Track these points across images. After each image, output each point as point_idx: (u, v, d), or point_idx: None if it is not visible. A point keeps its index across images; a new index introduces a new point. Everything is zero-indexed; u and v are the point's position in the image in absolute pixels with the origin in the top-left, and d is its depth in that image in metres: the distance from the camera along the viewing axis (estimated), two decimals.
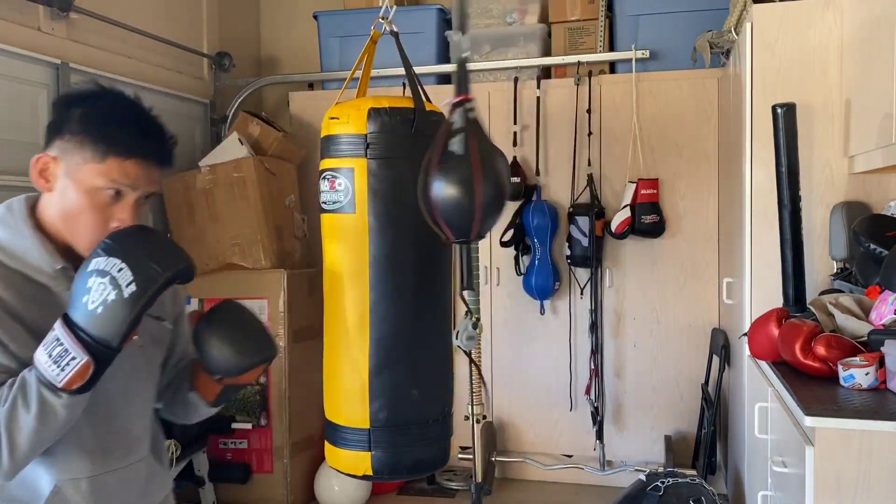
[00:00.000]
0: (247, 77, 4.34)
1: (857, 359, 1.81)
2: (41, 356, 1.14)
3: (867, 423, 1.59)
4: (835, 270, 2.61)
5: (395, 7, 2.40)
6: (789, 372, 1.98)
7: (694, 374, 3.67)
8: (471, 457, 2.49)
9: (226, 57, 4.20)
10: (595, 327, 3.72)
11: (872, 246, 2.16)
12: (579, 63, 3.75)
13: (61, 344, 1.14)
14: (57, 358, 1.13)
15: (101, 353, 1.14)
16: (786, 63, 2.64)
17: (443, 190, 1.79)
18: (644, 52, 3.68)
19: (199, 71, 4.13)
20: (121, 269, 1.15)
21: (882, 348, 1.79)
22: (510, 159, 3.65)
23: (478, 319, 2.06)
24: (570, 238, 3.69)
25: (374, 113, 2.13)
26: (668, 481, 2.81)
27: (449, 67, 3.98)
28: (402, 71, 2.31)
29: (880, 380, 1.77)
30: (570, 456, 3.84)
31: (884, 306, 1.96)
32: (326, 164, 2.23)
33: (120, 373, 1.26)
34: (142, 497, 1.38)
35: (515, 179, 3.69)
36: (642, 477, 2.90)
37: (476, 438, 2.53)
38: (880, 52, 2.20)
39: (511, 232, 3.75)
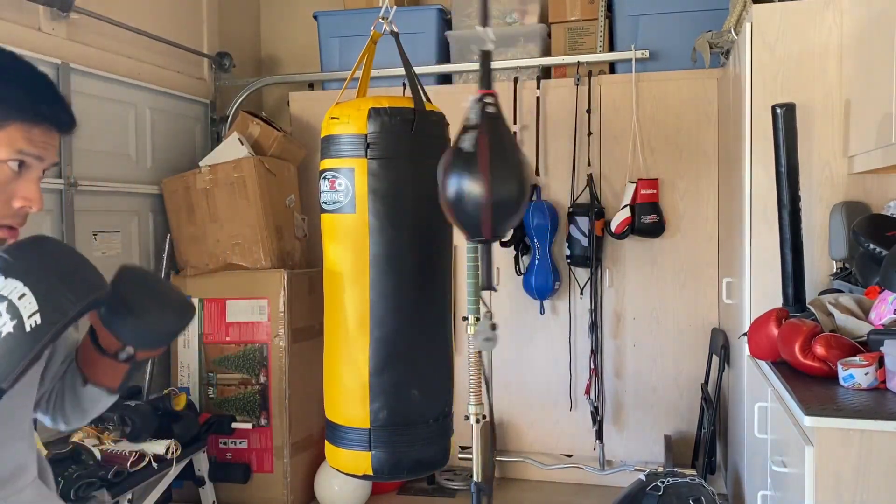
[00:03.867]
0: (247, 77, 4.34)
1: (857, 358, 1.81)
2: None
3: (867, 423, 1.59)
4: (834, 270, 2.61)
5: (395, 7, 2.40)
6: (789, 372, 1.98)
7: (694, 373, 3.68)
8: (471, 457, 2.49)
9: (226, 57, 4.20)
10: (595, 327, 3.72)
11: (872, 246, 2.17)
12: (579, 63, 3.75)
13: None
14: None
15: None
16: (786, 63, 2.64)
17: (452, 188, 1.75)
18: (644, 52, 3.68)
19: (199, 71, 4.13)
20: (23, 296, 0.91)
21: (881, 348, 1.79)
22: None
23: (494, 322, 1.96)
24: (569, 238, 3.69)
25: (374, 113, 2.13)
26: (668, 481, 2.81)
27: (448, 67, 3.99)
28: (402, 71, 2.31)
29: (880, 379, 1.77)
30: (569, 456, 3.84)
31: (883, 306, 1.96)
32: (327, 164, 2.23)
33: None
34: None
35: None
36: (642, 477, 2.90)
37: (476, 438, 2.53)
38: (880, 52, 2.20)
39: (511, 232, 3.76)
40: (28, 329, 0.90)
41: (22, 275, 0.92)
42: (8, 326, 0.90)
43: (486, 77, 1.84)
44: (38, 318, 0.91)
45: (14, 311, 0.90)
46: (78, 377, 1.23)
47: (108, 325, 1.12)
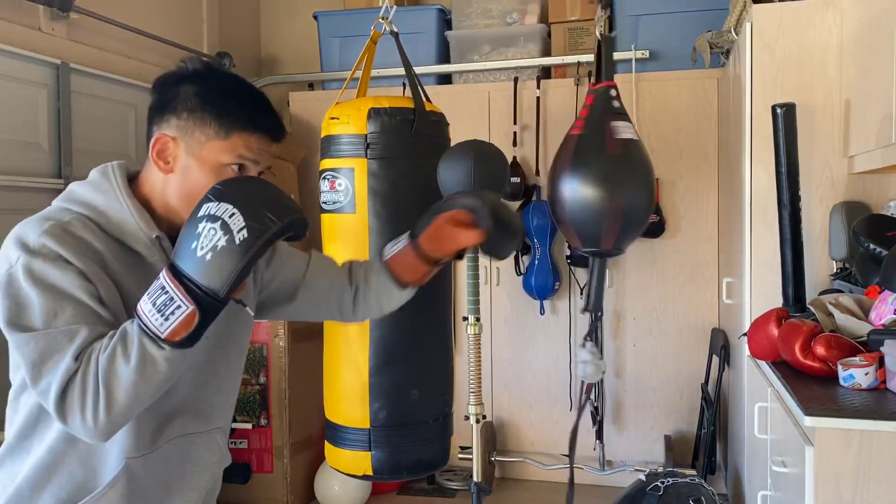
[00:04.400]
0: (247, 77, 4.34)
1: (857, 359, 1.81)
2: (145, 305, 1.08)
3: (867, 423, 1.59)
4: (834, 270, 2.61)
5: (395, 7, 2.40)
6: (789, 372, 1.98)
7: (694, 374, 3.67)
8: (471, 457, 2.49)
9: (226, 57, 4.20)
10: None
11: (872, 246, 2.16)
12: (579, 63, 3.75)
13: (166, 292, 1.07)
14: (161, 307, 1.07)
15: (207, 302, 1.07)
16: (786, 63, 2.64)
17: (573, 190, 1.52)
18: (644, 52, 3.68)
19: None
20: (233, 215, 1.08)
21: (882, 348, 1.79)
22: (510, 159, 3.65)
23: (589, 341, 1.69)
24: None
25: (374, 113, 2.13)
26: (668, 481, 2.81)
27: (449, 67, 3.98)
28: (402, 71, 2.31)
29: (880, 380, 1.77)
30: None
31: (883, 306, 1.96)
32: (326, 164, 2.23)
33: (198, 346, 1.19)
34: (196, 471, 1.34)
35: (515, 179, 3.69)
36: (642, 477, 2.90)
37: (476, 438, 2.53)
38: (880, 52, 2.20)
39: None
40: (237, 242, 1.07)
41: (233, 199, 1.10)
42: (222, 241, 1.07)
43: (608, 66, 1.59)
44: (245, 232, 1.07)
45: (226, 228, 1.07)
46: (390, 282, 1.46)
47: (490, 250, 1.44)
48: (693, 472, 3.29)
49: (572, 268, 3.76)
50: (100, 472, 1.21)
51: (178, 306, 1.06)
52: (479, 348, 2.55)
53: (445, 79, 4.06)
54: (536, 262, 3.72)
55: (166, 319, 1.07)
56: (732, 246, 3.16)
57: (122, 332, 1.10)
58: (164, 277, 1.08)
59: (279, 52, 4.66)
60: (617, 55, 3.78)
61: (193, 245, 1.08)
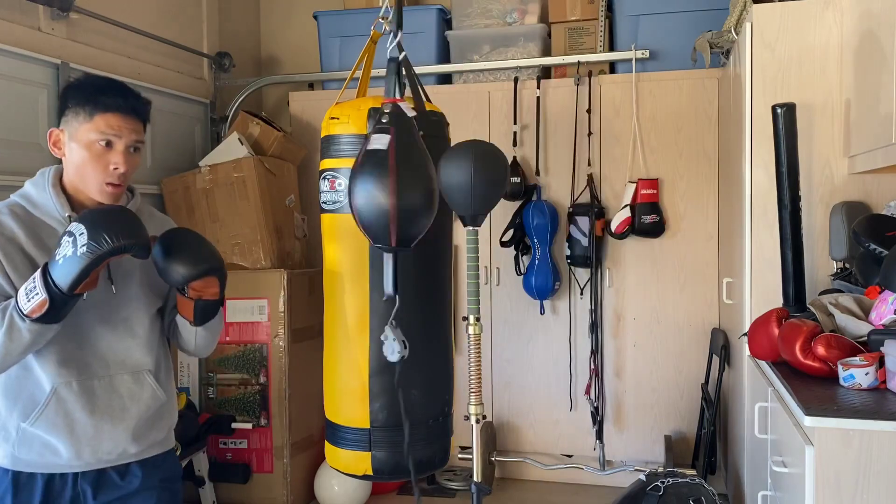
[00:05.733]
0: (247, 77, 4.34)
1: (857, 359, 1.81)
2: (21, 288, 1.51)
3: (867, 423, 1.59)
4: (835, 270, 2.61)
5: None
6: (789, 372, 1.98)
7: (694, 374, 3.67)
8: (471, 457, 2.48)
9: (226, 57, 4.20)
10: (595, 327, 3.72)
11: (872, 246, 2.16)
12: (579, 63, 3.75)
13: (34, 281, 1.49)
14: (28, 291, 1.49)
15: (55, 294, 1.47)
16: (786, 63, 2.64)
17: (360, 193, 1.79)
18: (644, 52, 3.68)
19: (199, 71, 4.13)
20: (81, 233, 1.46)
21: (882, 348, 1.79)
22: (510, 159, 3.65)
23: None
24: (570, 238, 3.69)
25: (374, 113, 2.13)
26: (668, 481, 2.81)
27: (448, 67, 3.98)
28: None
29: (880, 380, 1.77)
30: (570, 456, 3.84)
31: (884, 306, 1.96)
32: (326, 164, 2.23)
33: (97, 306, 1.65)
34: (132, 403, 1.69)
35: (515, 179, 3.69)
36: (642, 477, 2.90)
37: (476, 438, 2.52)
38: (880, 52, 2.20)
39: (511, 232, 3.76)
40: (78, 254, 1.45)
41: (87, 222, 1.48)
42: (69, 251, 1.46)
43: (391, 85, 1.97)
44: (85, 247, 1.45)
45: (75, 242, 1.46)
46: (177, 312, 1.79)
47: (158, 269, 1.65)
48: (693, 472, 3.29)
49: (572, 268, 3.76)
50: (48, 393, 1.62)
51: (37, 293, 1.48)
52: (480, 348, 2.55)
53: (445, 79, 4.06)
54: (536, 262, 3.72)
55: (29, 300, 1.49)
56: (732, 246, 3.16)
57: (5, 305, 1.53)
58: (38, 271, 1.50)
59: (279, 52, 4.66)
60: (617, 55, 3.79)
61: (57, 251, 1.49)
